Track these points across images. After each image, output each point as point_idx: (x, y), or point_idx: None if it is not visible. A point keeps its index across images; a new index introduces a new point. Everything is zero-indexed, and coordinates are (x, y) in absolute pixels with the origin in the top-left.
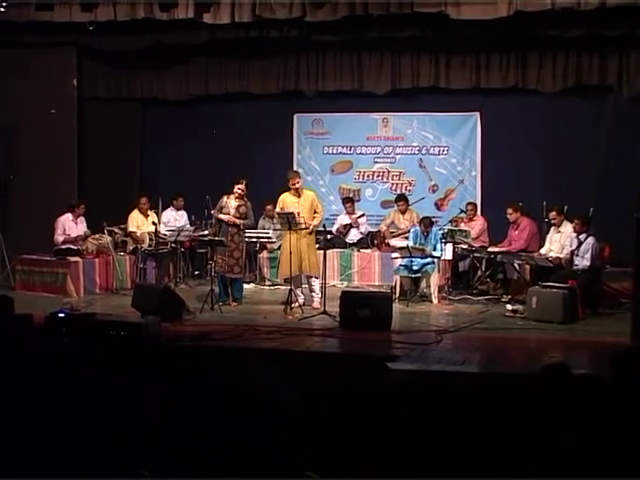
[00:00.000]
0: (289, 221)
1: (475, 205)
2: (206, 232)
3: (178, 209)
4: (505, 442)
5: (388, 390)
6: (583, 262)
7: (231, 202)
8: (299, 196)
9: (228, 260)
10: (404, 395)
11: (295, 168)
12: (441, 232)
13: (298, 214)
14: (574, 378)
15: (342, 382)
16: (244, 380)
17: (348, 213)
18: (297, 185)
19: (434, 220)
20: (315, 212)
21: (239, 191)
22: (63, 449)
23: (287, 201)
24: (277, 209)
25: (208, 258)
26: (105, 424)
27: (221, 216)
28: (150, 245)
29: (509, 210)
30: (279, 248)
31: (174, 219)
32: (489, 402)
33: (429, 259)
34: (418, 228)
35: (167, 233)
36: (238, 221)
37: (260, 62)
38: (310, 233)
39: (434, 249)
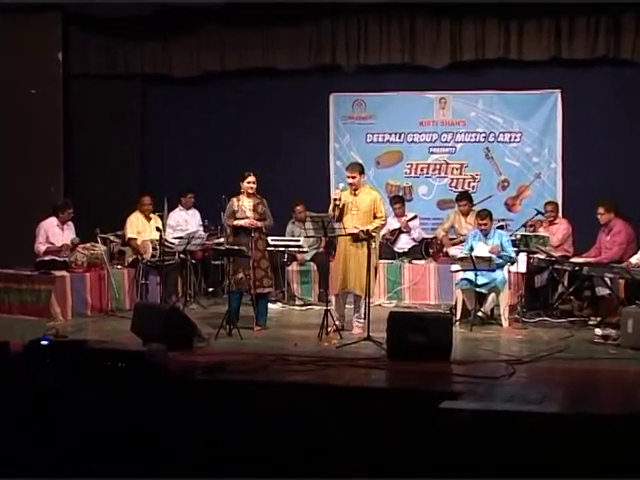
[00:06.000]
0: (324, 226)
1: (556, 205)
2: (222, 240)
3: (188, 208)
4: None
5: (448, 435)
6: None
7: (244, 202)
8: (356, 195)
9: (255, 272)
10: (468, 440)
11: (332, 160)
12: (512, 238)
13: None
14: None
15: (391, 423)
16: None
17: (397, 215)
18: (352, 180)
19: (504, 224)
20: (375, 217)
21: (252, 186)
22: None
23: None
24: (329, 210)
25: (226, 272)
26: (100, 469)
27: (237, 222)
28: (154, 256)
29: (600, 209)
30: (312, 259)
31: (184, 220)
32: (575, 450)
33: (498, 271)
34: (479, 231)
35: (175, 241)
36: (260, 223)
37: (288, 30)
38: (359, 240)
39: (502, 250)
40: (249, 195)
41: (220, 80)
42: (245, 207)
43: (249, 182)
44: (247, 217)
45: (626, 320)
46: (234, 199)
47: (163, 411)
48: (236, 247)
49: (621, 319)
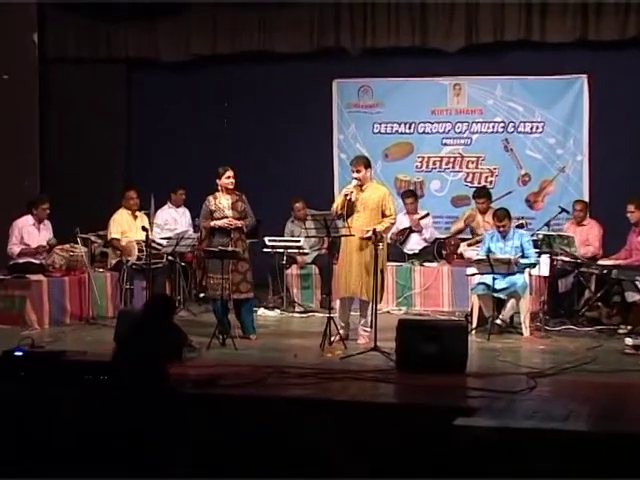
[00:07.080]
0: (326, 225)
1: (586, 205)
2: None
3: (178, 206)
4: None
5: (462, 454)
6: None
7: (222, 200)
8: (362, 191)
9: (232, 276)
10: (484, 460)
11: (335, 153)
12: (534, 239)
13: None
14: None
15: (400, 442)
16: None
17: (408, 213)
18: (357, 175)
19: (524, 222)
20: (384, 215)
21: (232, 181)
22: None
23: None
24: (335, 206)
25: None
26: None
27: (215, 222)
28: (139, 258)
29: (630, 207)
30: (313, 262)
31: (173, 219)
32: (603, 471)
33: (518, 275)
34: (496, 232)
35: (163, 241)
36: (240, 222)
37: (287, 11)
38: (368, 239)
39: (522, 254)
40: (227, 192)
41: (212, 65)
42: (223, 205)
43: (228, 177)
44: (226, 216)
45: None
46: (210, 197)
47: (149, 426)
48: (230, 248)
49: None
